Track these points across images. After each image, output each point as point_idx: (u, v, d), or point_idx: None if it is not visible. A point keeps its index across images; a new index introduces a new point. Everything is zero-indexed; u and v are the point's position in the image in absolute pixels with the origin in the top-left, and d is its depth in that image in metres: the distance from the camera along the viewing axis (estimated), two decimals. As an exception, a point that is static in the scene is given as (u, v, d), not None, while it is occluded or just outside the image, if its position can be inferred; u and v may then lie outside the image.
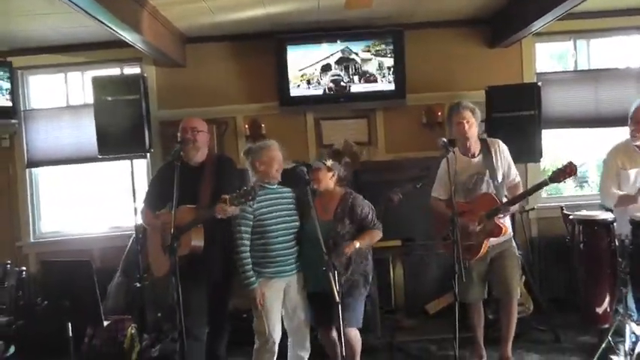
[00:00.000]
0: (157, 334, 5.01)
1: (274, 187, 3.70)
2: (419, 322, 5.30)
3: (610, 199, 4.23)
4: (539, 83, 5.30)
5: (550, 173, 3.79)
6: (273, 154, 3.66)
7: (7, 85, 5.55)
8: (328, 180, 3.71)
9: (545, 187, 4.01)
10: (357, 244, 3.56)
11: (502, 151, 4.02)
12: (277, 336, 3.61)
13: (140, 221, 4.19)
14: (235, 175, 3.89)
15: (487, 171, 3.95)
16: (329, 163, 3.73)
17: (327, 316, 3.51)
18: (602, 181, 4.37)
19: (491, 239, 3.90)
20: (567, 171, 3.64)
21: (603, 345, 4.08)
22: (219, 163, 3.86)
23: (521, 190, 4.03)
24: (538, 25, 4.98)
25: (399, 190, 4.43)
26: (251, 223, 3.55)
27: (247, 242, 3.56)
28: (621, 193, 4.17)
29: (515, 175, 4.06)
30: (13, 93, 5.64)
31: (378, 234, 3.71)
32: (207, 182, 3.72)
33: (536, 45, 5.92)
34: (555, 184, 3.78)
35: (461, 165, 3.92)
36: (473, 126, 3.95)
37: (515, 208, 4.13)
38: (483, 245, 3.88)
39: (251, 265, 3.54)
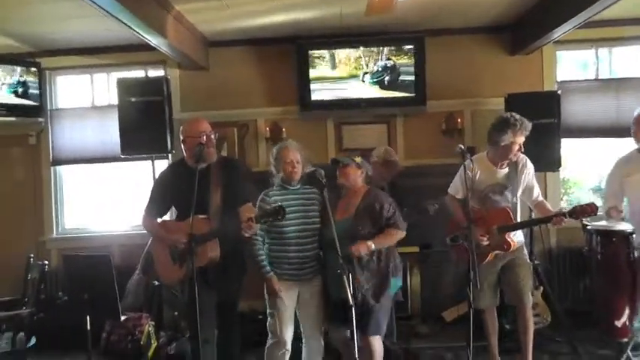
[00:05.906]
0: (173, 332, 5.05)
1: (296, 187, 3.64)
2: (435, 329, 5.28)
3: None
4: (559, 91, 5.27)
5: (570, 206, 3.82)
6: (285, 154, 3.60)
7: (35, 85, 5.71)
8: (357, 177, 3.63)
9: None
10: (372, 246, 3.44)
11: (528, 168, 3.98)
12: (288, 336, 3.60)
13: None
14: (246, 179, 3.73)
15: (509, 185, 3.92)
16: (358, 160, 3.64)
17: (344, 322, 3.40)
18: (604, 198, 4.33)
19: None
20: (588, 210, 3.62)
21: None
22: (225, 167, 3.66)
23: (548, 205, 3.98)
24: (559, 32, 4.95)
25: (435, 201, 4.32)
26: None
27: (260, 238, 3.56)
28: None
29: (538, 193, 4.02)
30: (41, 93, 5.79)
31: (397, 233, 3.56)
32: (215, 188, 3.54)
33: (557, 53, 5.87)
34: (573, 219, 3.71)
35: (486, 172, 3.91)
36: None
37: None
38: (489, 255, 3.89)
39: (264, 257, 3.55)
